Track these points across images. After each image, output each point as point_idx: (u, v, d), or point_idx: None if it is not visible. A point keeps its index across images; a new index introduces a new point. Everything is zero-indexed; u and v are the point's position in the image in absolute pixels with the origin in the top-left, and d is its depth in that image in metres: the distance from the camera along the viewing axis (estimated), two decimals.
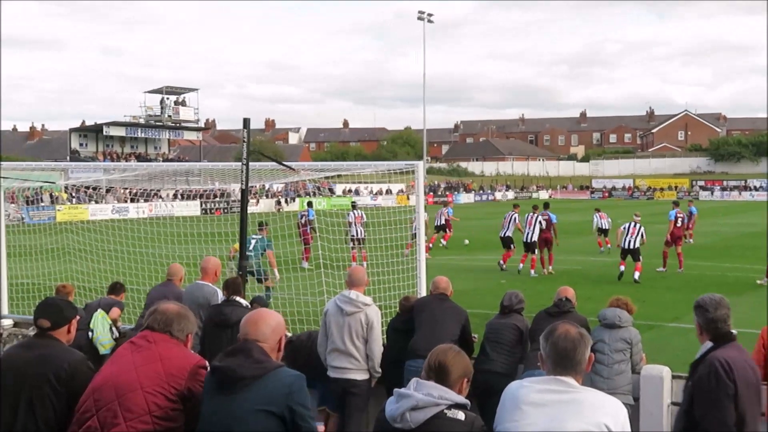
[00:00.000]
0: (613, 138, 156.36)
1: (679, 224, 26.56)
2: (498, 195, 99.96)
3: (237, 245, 11.41)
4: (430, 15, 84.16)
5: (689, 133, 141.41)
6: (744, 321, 16.91)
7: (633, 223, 24.87)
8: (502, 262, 26.36)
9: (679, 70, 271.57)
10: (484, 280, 23.82)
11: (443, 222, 35.48)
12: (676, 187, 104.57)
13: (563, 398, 4.04)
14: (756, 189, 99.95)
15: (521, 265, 25.99)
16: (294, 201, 69.33)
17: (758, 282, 22.92)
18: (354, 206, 29.17)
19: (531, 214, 26.04)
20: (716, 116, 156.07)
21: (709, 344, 5.43)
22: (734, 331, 5.54)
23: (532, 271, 25.24)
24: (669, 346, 14.65)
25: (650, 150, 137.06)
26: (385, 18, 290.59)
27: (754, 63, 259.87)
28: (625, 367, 8.37)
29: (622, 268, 24.36)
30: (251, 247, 18.14)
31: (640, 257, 24.25)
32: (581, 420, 3.95)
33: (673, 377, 8.44)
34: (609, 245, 31.96)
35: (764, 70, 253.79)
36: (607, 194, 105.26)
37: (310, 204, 29.80)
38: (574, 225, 42.76)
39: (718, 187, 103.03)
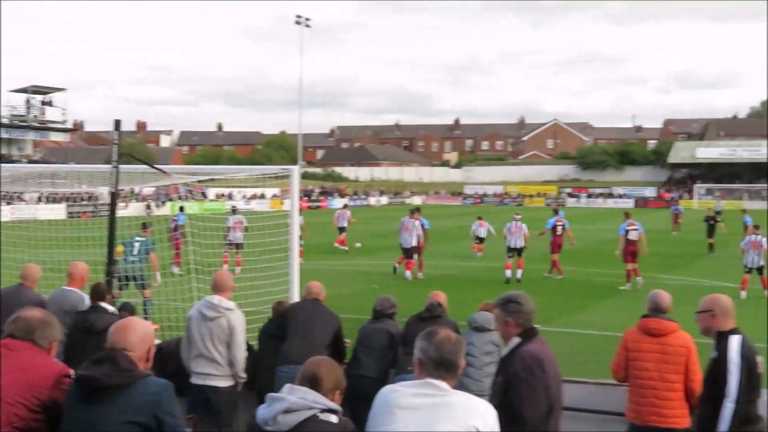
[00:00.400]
0: (485, 145, 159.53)
1: (559, 232, 26.87)
2: (372, 200, 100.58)
3: (120, 248, 11.11)
4: (307, 19, 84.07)
5: (558, 141, 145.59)
6: (608, 324, 17.54)
7: (515, 222, 25.75)
8: (408, 272, 25.98)
9: (550, 80, 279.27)
10: (357, 284, 23.93)
11: (345, 224, 36.23)
12: (545, 194, 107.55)
13: (435, 401, 4.08)
14: (620, 196, 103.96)
15: (398, 265, 26.33)
16: (164, 205, 68.07)
17: (621, 288, 23.76)
18: (234, 211, 29.33)
19: (408, 218, 26.34)
20: (584, 125, 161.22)
21: (517, 339, 5.54)
22: (537, 326, 5.70)
23: (408, 273, 25.52)
24: None
25: (521, 157, 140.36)
26: (265, 21, 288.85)
27: (620, 74, 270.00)
28: (494, 369, 8.46)
29: (508, 272, 25.14)
30: (135, 251, 17.79)
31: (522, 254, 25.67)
32: (452, 423, 4.00)
33: None
34: (480, 253, 32.70)
35: (629, 81, 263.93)
36: (478, 200, 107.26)
37: (181, 209, 29.34)
38: (448, 230, 43.38)
39: (585, 194, 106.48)
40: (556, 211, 28.35)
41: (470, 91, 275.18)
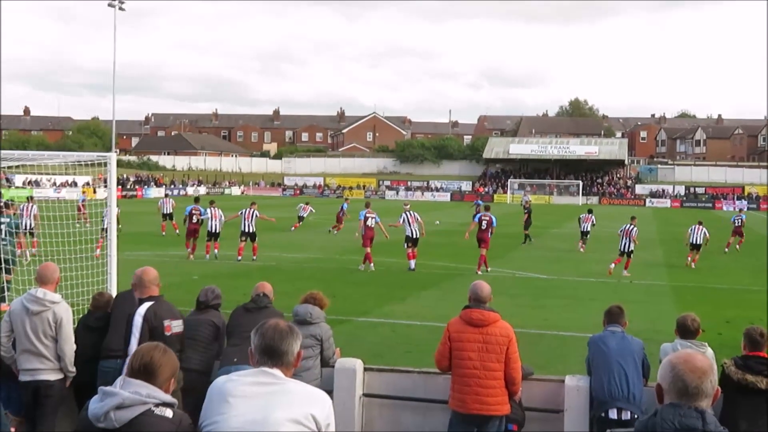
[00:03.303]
0: (305, 136, 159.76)
1: (483, 226, 26.96)
2: (190, 190, 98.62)
3: None
4: (122, 1, 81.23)
5: (377, 134, 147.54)
6: (430, 315, 17.91)
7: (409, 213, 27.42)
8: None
9: (367, 73, 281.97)
10: (175, 275, 23.35)
11: (170, 211, 38.02)
12: (364, 186, 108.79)
13: (272, 389, 4.06)
14: (437, 190, 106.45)
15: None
16: None
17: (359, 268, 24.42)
18: (30, 199, 30.20)
19: (246, 209, 28.59)
20: (402, 119, 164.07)
21: None
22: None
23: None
24: (360, 340, 15.13)
25: (340, 150, 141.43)
26: (69, 2, 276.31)
27: (434, 69, 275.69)
28: (312, 363, 8.38)
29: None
30: (2, 234, 16.99)
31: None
32: (289, 410, 4.00)
33: (365, 369, 8.72)
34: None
35: (443, 77, 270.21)
36: (298, 191, 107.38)
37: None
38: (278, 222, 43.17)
39: (403, 187, 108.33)
40: (479, 205, 28.72)
41: (285, 81, 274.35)
